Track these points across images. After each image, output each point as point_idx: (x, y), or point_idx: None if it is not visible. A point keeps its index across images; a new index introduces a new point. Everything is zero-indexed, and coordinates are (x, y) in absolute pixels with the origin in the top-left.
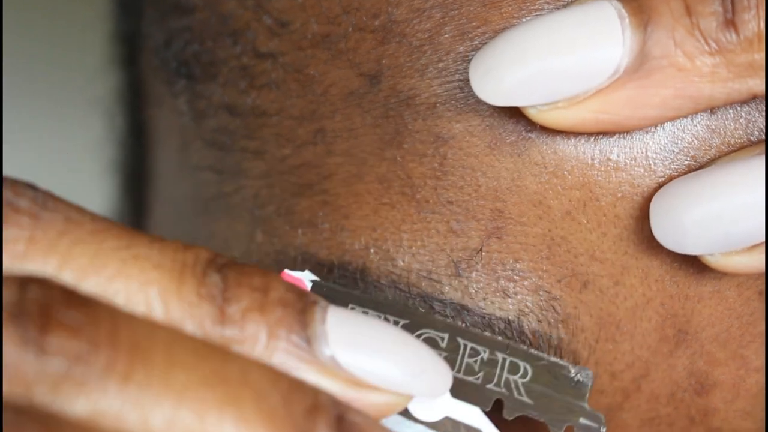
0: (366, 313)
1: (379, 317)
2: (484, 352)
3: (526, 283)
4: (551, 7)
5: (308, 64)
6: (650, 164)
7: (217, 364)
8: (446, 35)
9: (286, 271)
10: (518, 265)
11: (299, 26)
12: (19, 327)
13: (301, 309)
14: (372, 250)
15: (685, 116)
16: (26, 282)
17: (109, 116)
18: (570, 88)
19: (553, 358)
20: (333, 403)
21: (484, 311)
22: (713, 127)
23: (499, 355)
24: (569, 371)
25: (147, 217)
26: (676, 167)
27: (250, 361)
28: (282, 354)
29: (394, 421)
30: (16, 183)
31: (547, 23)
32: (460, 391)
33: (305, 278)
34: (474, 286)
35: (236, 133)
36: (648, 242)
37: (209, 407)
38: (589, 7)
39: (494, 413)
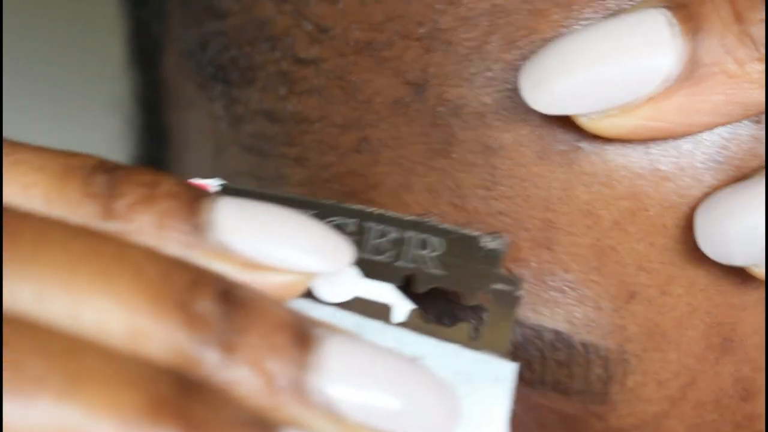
0: None
1: None
2: (394, 231)
3: (575, 293)
4: (598, 15)
5: (351, 71)
6: (697, 174)
7: (91, 242)
8: (494, 44)
9: (192, 179)
10: (567, 276)
11: (340, 32)
12: None
13: (190, 199)
14: None
15: (736, 121)
16: None
17: (126, 117)
18: (621, 96)
19: (465, 231)
20: (218, 279)
21: (533, 321)
22: (759, 137)
23: (409, 234)
24: (480, 240)
25: None
26: (722, 177)
27: (129, 242)
28: (171, 243)
29: (302, 305)
30: None
31: (597, 32)
32: (369, 271)
33: (212, 183)
34: (524, 296)
35: (275, 139)
36: (694, 252)
37: (79, 281)
38: (639, 15)
39: (406, 289)
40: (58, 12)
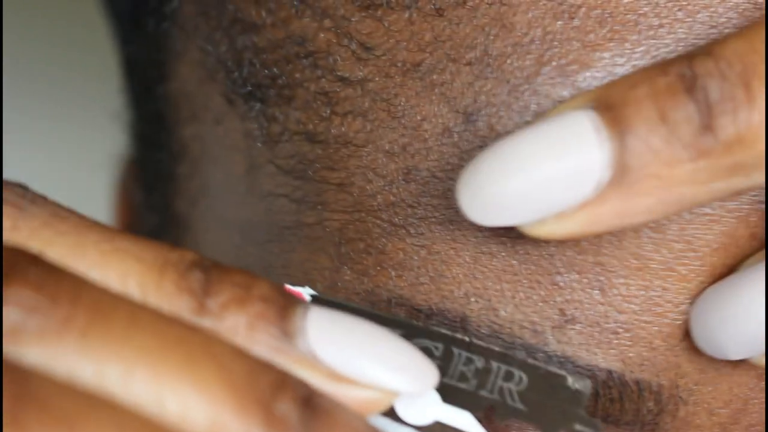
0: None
1: None
2: (479, 360)
3: (628, 334)
4: (650, 55)
5: (398, 94)
6: (744, 215)
7: (181, 331)
8: (545, 76)
9: (286, 285)
10: (621, 317)
11: (386, 51)
12: None
13: (282, 305)
14: (473, 299)
15: (674, 215)
16: None
17: (127, 126)
18: (555, 204)
19: (551, 368)
20: (302, 384)
21: (586, 362)
22: None
23: (494, 364)
24: (566, 380)
25: (184, 234)
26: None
27: (217, 337)
28: (260, 347)
29: (383, 424)
30: (6, 181)
31: (525, 138)
32: (451, 397)
33: (304, 291)
34: (577, 338)
35: (316, 163)
36: None
37: (166, 368)
38: (566, 119)
39: (486, 420)
40: (59, 11)
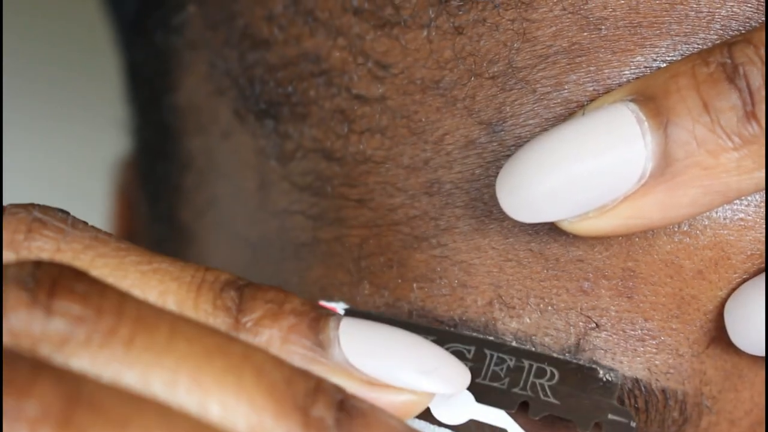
0: None
1: None
2: (511, 360)
3: (655, 342)
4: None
5: (417, 110)
6: None
7: (221, 341)
8: (573, 83)
9: (321, 301)
10: (648, 324)
11: (404, 70)
12: (30, 291)
13: (315, 317)
14: (497, 307)
15: (717, 208)
16: (41, 261)
17: (130, 133)
18: (598, 197)
19: (582, 362)
20: (337, 389)
21: (613, 370)
22: None
23: (526, 362)
24: (597, 373)
25: (188, 245)
26: None
27: (254, 346)
28: (294, 357)
29: (420, 425)
30: (46, 206)
31: (566, 133)
32: (485, 396)
33: (338, 306)
34: (603, 345)
35: (334, 179)
36: None
37: (209, 374)
38: (607, 112)
39: (521, 415)
40: (59, 11)
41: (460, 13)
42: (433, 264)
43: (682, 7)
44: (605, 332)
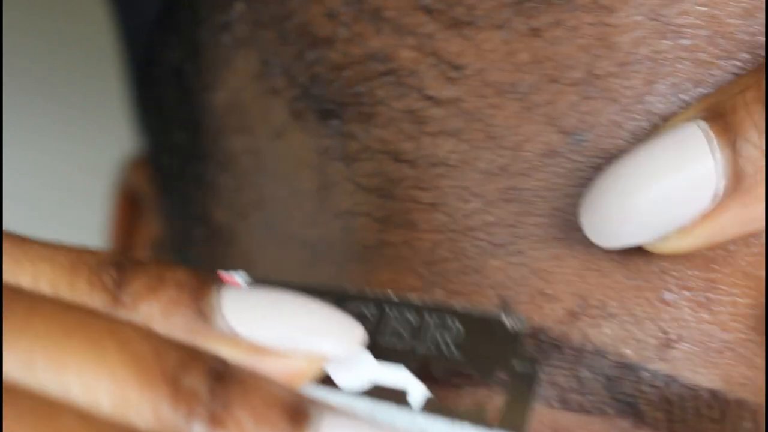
0: None
1: None
2: (413, 316)
3: (733, 353)
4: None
5: (493, 114)
6: None
7: (81, 316)
8: (656, 95)
9: (219, 271)
10: (726, 336)
11: (478, 71)
12: None
13: (197, 287)
14: (577, 317)
15: None
16: None
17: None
18: (676, 219)
19: (487, 312)
20: (212, 358)
21: (690, 381)
22: None
23: (429, 318)
24: (503, 322)
25: (228, 246)
26: None
27: (120, 319)
28: (177, 329)
29: (317, 393)
30: None
31: (640, 157)
32: (387, 356)
33: (239, 276)
34: (681, 356)
35: (403, 182)
36: None
37: (67, 352)
38: (677, 132)
39: (424, 373)
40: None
41: (537, 14)
42: (510, 271)
43: (762, 16)
44: (686, 344)
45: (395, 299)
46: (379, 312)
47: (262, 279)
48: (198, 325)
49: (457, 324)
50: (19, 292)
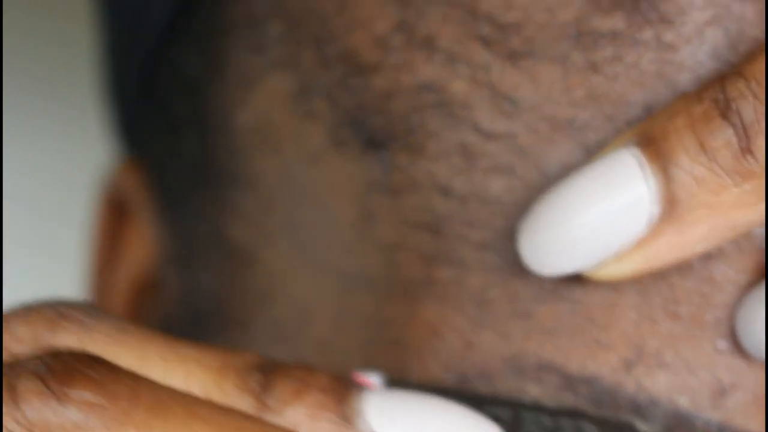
0: None
1: None
2: (548, 420)
3: None
4: None
5: (547, 151)
6: None
7: (239, 421)
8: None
9: (356, 371)
10: None
11: (533, 105)
12: (42, 380)
13: (341, 392)
14: (631, 366)
15: (729, 241)
16: (57, 350)
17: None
18: (610, 244)
19: (620, 416)
20: None
21: (744, 429)
22: None
23: (563, 421)
24: (635, 426)
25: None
26: None
27: (275, 425)
28: None
29: None
30: (71, 301)
31: (573, 184)
32: None
33: (375, 377)
34: (735, 405)
35: (453, 218)
36: None
37: None
38: (611, 159)
39: None
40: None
41: (596, 48)
42: (564, 318)
43: None
44: (739, 392)
45: (529, 403)
46: (513, 415)
47: (397, 380)
48: (342, 429)
49: (591, 428)
50: (177, 394)
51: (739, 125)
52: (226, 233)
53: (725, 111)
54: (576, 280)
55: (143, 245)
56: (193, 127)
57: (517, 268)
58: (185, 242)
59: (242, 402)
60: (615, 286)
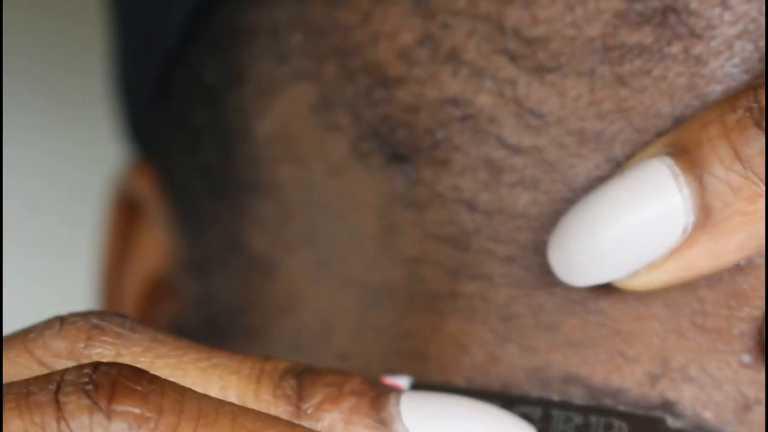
0: None
1: None
2: (578, 417)
3: None
4: None
5: (573, 165)
6: None
7: (282, 429)
8: None
9: (384, 376)
10: None
11: (560, 120)
12: (89, 396)
13: (375, 396)
14: (657, 379)
15: (763, 250)
16: (98, 363)
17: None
18: (645, 255)
19: (649, 413)
20: None
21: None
22: None
23: (593, 418)
24: (666, 422)
25: (270, 279)
26: None
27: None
28: None
29: None
30: (104, 312)
31: (605, 194)
32: None
33: (403, 381)
34: (760, 419)
35: (479, 233)
36: None
37: None
38: (643, 169)
39: None
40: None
41: (623, 62)
42: (589, 330)
43: None
44: (764, 408)
45: (558, 401)
46: (543, 414)
47: (425, 384)
48: None
49: (621, 424)
50: (221, 404)
51: None
52: (245, 242)
53: (759, 120)
54: (603, 291)
55: (155, 247)
56: (211, 133)
57: (542, 281)
58: (200, 248)
59: (278, 409)
60: (642, 298)
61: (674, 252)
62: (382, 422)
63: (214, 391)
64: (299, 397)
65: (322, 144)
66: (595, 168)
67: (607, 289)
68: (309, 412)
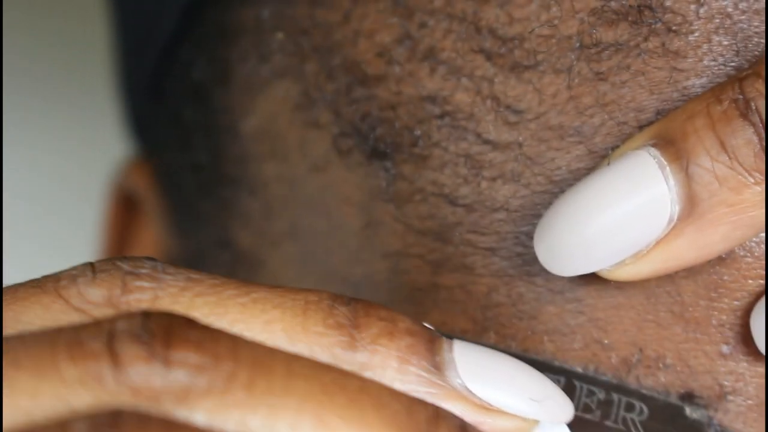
0: None
1: None
2: (600, 392)
3: None
4: None
5: (554, 158)
6: None
7: (337, 376)
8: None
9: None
10: None
11: (538, 115)
12: (146, 344)
13: (429, 338)
14: (632, 367)
15: (751, 239)
16: (149, 312)
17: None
18: (630, 244)
19: (669, 399)
20: (455, 417)
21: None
22: None
23: (615, 396)
24: (684, 410)
25: (256, 274)
26: None
27: (370, 379)
28: (413, 378)
29: None
30: (134, 257)
31: (591, 185)
32: (578, 427)
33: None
34: (736, 409)
35: (459, 226)
36: None
37: (331, 412)
38: (629, 160)
39: None
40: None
41: (601, 59)
42: (567, 318)
43: None
44: (739, 397)
45: (581, 373)
46: (568, 383)
47: (458, 338)
48: (433, 377)
49: (642, 406)
50: (275, 352)
51: (759, 124)
52: (232, 237)
53: (745, 111)
54: (583, 281)
55: (152, 242)
56: (201, 131)
57: (523, 270)
58: (192, 245)
59: (331, 339)
60: (620, 287)
61: (660, 242)
62: (437, 367)
63: (257, 327)
64: (354, 326)
65: (305, 141)
66: (576, 160)
67: (587, 278)
68: (365, 343)
